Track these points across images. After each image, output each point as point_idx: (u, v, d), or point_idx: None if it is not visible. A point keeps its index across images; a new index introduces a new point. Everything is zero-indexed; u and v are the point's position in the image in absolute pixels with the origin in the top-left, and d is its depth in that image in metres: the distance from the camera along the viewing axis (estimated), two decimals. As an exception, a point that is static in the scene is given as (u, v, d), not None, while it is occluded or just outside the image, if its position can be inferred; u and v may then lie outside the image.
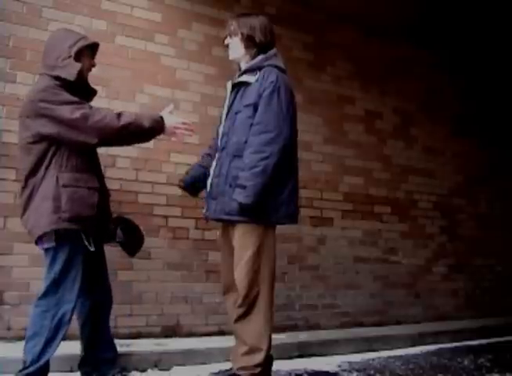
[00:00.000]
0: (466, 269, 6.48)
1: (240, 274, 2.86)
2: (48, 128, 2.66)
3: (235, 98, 3.01)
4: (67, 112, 2.64)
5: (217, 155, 3.01)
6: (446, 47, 6.36)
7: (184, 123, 2.98)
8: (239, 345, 2.94)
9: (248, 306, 2.86)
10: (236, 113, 2.95)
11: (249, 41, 3.03)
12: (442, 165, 6.44)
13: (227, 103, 3.08)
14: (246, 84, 2.96)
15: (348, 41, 5.71)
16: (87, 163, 2.80)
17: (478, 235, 6.67)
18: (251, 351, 2.84)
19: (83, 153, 2.78)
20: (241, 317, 2.89)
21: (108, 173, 4.01)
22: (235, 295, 3.00)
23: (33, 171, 2.72)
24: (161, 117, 2.89)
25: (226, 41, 3.13)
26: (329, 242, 5.28)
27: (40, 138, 2.69)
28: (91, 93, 3.04)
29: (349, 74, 5.70)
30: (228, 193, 2.83)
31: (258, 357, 2.83)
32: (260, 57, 3.00)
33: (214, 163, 3.02)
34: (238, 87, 3.02)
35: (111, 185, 3.93)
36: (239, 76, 3.04)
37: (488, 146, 6.93)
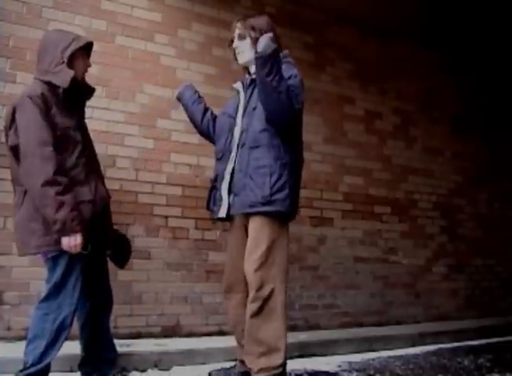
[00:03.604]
0: (466, 269, 6.47)
1: (251, 267, 2.79)
2: (13, 140, 2.64)
3: (250, 96, 3.00)
4: (25, 141, 2.58)
5: (235, 153, 2.97)
6: (446, 47, 6.36)
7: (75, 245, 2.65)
8: (252, 344, 2.80)
9: (263, 302, 2.76)
10: (254, 109, 2.93)
11: None
12: (442, 165, 6.44)
13: (242, 102, 3.06)
14: None
15: (348, 41, 5.72)
16: (76, 174, 2.73)
17: (478, 235, 6.67)
18: (269, 351, 2.74)
19: (71, 165, 2.73)
20: (256, 314, 2.77)
21: (108, 173, 4.01)
22: (238, 297, 2.97)
23: (15, 180, 2.74)
24: (76, 229, 2.60)
25: (235, 45, 3.08)
26: (329, 242, 5.28)
27: (9, 148, 2.69)
28: (89, 92, 3.01)
29: (349, 74, 5.70)
30: (249, 185, 2.81)
31: (278, 357, 2.73)
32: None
33: (231, 165, 2.96)
34: (253, 84, 2.98)
35: (111, 185, 3.94)
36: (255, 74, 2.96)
37: (488, 146, 6.93)
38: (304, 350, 4.22)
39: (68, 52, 2.74)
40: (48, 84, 2.71)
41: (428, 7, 5.51)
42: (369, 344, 4.65)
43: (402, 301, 5.76)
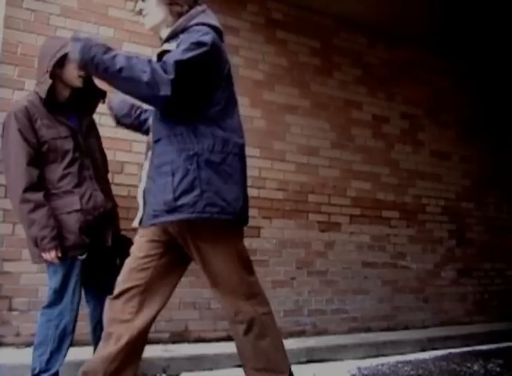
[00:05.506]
0: (474, 274, 6.44)
1: (218, 296, 2.47)
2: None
3: None
4: (5, 158, 2.67)
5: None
6: (453, 51, 6.35)
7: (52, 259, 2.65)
8: (250, 366, 2.41)
9: (248, 325, 2.33)
10: None
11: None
12: (450, 169, 6.42)
13: None
14: (167, 54, 2.24)
15: (355, 46, 5.72)
16: (64, 184, 2.73)
17: (487, 239, 6.63)
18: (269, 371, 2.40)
19: (60, 175, 2.73)
20: (245, 334, 2.35)
21: (116, 179, 4.02)
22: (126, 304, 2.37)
23: None
24: (46, 248, 2.61)
25: (138, 7, 2.45)
26: (337, 247, 5.27)
27: None
28: (98, 94, 2.97)
29: (356, 79, 5.70)
30: (152, 190, 2.22)
31: None
32: (182, 18, 2.32)
33: (147, 163, 2.38)
34: (159, 61, 2.23)
35: (119, 191, 3.95)
36: (161, 46, 2.39)
37: (495, 150, 6.90)
38: (312, 355, 4.22)
39: (53, 61, 2.69)
40: (38, 94, 2.74)
41: (436, 12, 5.50)
42: (377, 349, 4.64)
43: (411, 306, 5.73)
